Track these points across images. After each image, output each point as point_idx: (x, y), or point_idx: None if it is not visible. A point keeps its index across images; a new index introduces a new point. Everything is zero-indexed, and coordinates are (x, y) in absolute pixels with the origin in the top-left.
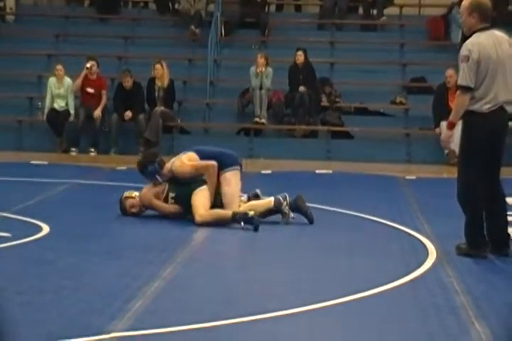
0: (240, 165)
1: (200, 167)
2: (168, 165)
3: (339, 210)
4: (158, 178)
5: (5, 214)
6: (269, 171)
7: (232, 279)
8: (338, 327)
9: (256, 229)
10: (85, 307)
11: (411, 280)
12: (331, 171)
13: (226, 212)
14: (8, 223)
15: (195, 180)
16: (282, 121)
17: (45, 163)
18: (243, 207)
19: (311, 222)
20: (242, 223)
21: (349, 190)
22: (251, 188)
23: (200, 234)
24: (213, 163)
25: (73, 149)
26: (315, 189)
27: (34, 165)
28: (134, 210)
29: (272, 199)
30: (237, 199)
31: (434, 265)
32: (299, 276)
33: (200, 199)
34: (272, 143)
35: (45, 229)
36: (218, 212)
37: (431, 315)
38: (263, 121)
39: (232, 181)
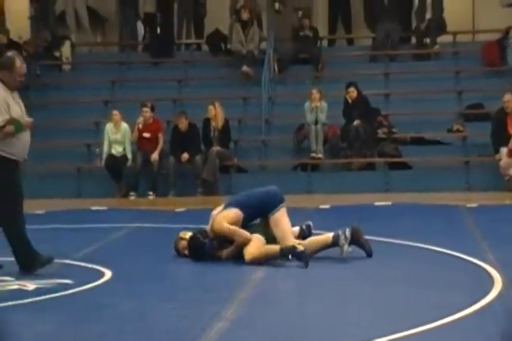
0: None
1: (237, 235)
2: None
3: (400, 242)
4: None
5: (67, 261)
6: (327, 206)
7: (296, 316)
8: None
9: (306, 265)
10: None
11: (477, 311)
12: (390, 203)
13: (274, 247)
14: (70, 270)
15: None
16: (339, 154)
17: (105, 208)
18: (302, 245)
19: (369, 254)
20: (290, 256)
21: (409, 221)
22: None
23: (258, 273)
24: (246, 234)
25: (132, 193)
26: (375, 221)
27: (94, 211)
28: (186, 252)
29: (330, 235)
30: (290, 235)
31: (500, 294)
32: (363, 310)
33: (253, 242)
34: (329, 178)
35: (107, 274)
36: (266, 247)
37: None
38: (320, 156)
39: (282, 221)
